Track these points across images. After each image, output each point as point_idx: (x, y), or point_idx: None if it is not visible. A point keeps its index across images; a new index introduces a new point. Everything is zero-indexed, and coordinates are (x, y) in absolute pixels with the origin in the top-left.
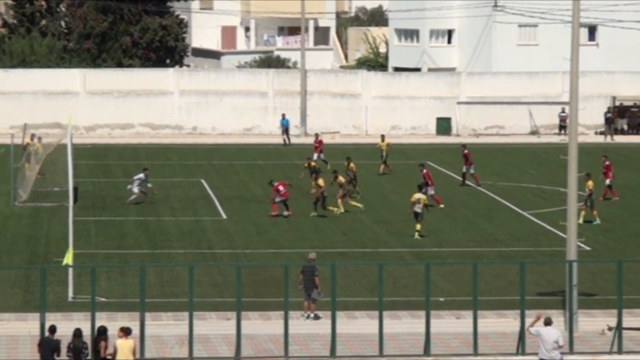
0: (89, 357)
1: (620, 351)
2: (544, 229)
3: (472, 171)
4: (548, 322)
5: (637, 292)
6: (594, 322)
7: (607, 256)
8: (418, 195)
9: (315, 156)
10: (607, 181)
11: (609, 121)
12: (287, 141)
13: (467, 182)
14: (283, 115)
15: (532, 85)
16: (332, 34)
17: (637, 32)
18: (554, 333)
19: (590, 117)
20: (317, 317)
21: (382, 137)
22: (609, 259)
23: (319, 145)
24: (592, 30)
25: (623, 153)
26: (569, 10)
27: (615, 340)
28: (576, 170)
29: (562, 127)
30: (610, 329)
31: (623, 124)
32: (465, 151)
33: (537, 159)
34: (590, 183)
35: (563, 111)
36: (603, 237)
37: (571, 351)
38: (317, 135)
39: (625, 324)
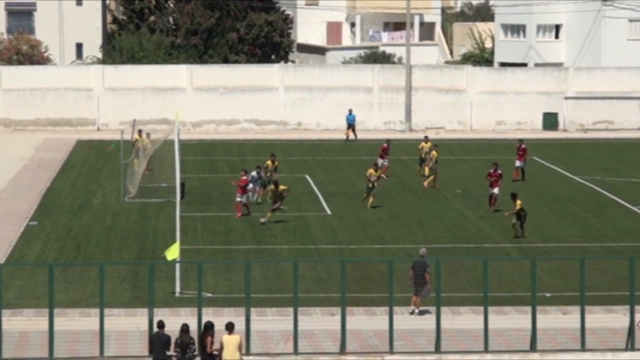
0: (196, 353)
1: None
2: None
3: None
4: None
5: None
6: None
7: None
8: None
9: (380, 162)
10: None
11: None
12: (349, 136)
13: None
14: (350, 111)
15: None
16: (437, 29)
17: None
18: None
19: None
20: (422, 313)
21: (426, 138)
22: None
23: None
24: None
25: None
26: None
27: None
28: None
29: None
30: None
31: None
32: (523, 146)
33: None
34: None
35: None
36: None
37: None
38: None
39: None
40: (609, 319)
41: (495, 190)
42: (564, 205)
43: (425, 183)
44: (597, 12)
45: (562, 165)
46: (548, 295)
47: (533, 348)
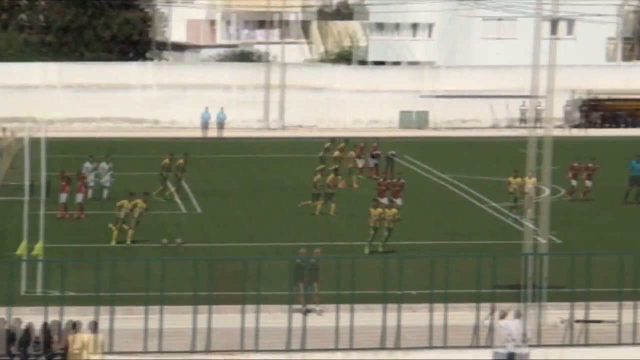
0: (41, 352)
1: (583, 344)
2: (503, 222)
3: None
4: (513, 315)
5: (605, 285)
6: (562, 315)
7: (576, 249)
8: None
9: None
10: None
11: (582, 114)
12: (216, 135)
13: None
14: (222, 109)
15: (507, 79)
16: (309, 27)
17: (604, 25)
18: (515, 326)
19: (558, 111)
20: (308, 312)
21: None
22: (579, 252)
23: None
24: (568, 24)
25: (597, 147)
26: (547, 4)
27: (578, 333)
28: (550, 164)
29: (525, 120)
30: (577, 322)
31: (595, 117)
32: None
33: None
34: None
35: (524, 104)
36: (573, 231)
37: (537, 344)
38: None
39: (592, 317)
40: (457, 317)
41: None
42: (423, 203)
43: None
44: (465, 12)
45: (431, 164)
46: (414, 293)
47: (397, 346)
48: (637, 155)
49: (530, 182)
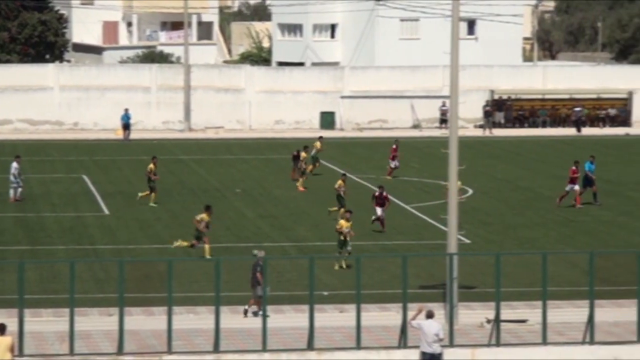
0: None
1: (498, 343)
2: (426, 222)
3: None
4: (429, 315)
5: (515, 284)
6: (474, 315)
7: (486, 249)
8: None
9: (392, 163)
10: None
11: (487, 114)
12: (124, 136)
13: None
14: (126, 110)
15: (414, 79)
16: (215, 28)
17: (514, 26)
18: (435, 326)
19: (470, 111)
20: (255, 314)
21: (321, 137)
22: (488, 252)
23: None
24: (471, 24)
25: (501, 146)
26: (448, 4)
27: (493, 333)
28: (457, 163)
29: (443, 120)
30: (488, 321)
31: (500, 117)
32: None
33: (419, 153)
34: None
35: (444, 105)
36: (482, 230)
37: (451, 344)
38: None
39: (503, 317)
40: (383, 317)
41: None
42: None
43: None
44: (371, 12)
45: (339, 164)
46: (325, 293)
47: (310, 347)
48: (591, 156)
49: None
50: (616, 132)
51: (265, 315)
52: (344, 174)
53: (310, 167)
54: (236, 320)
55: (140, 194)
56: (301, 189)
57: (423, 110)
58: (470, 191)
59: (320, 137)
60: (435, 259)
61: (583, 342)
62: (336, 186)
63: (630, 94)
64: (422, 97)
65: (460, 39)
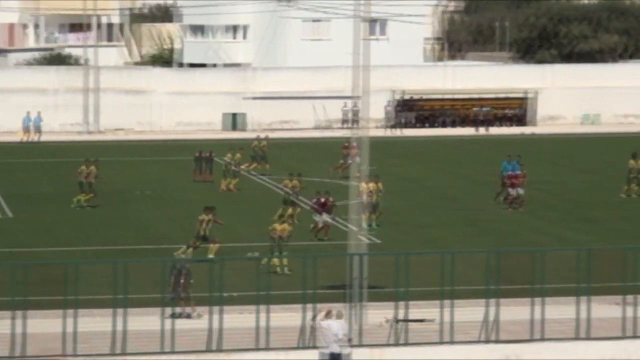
0: None
1: (404, 343)
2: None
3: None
4: (334, 316)
5: (422, 284)
6: (381, 315)
7: (395, 248)
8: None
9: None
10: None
11: (395, 114)
12: (31, 138)
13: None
14: (38, 113)
15: (321, 80)
16: (122, 30)
17: (420, 26)
18: (340, 326)
19: (378, 111)
20: (188, 316)
21: (261, 137)
22: (395, 252)
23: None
24: (377, 24)
25: (409, 147)
26: (356, 5)
27: (399, 332)
28: (365, 164)
29: (348, 120)
30: (396, 321)
31: (408, 117)
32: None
33: (325, 153)
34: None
35: (355, 105)
36: (392, 230)
37: (358, 344)
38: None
39: (410, 316)
40: (286, 318)
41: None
42: (247, 205)
43: (232, 187)
44: (279, 13)
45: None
46: (234, 295)
47: (219, 348)
48: (507, 156)
49: (367, 186)
50: (519, 131)
51: (177, 316)
52: (299, 174)
53: (255, 165)
54: (144, 322)
55: (77, 198)
56: (231, 190)
57: (328, 111)
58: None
59: (266, 137)
60: (343, 258)
61: (487, 341)
62: (289, 186)
63: (534, 93)
64: (330, 97)
65: (366, 39)
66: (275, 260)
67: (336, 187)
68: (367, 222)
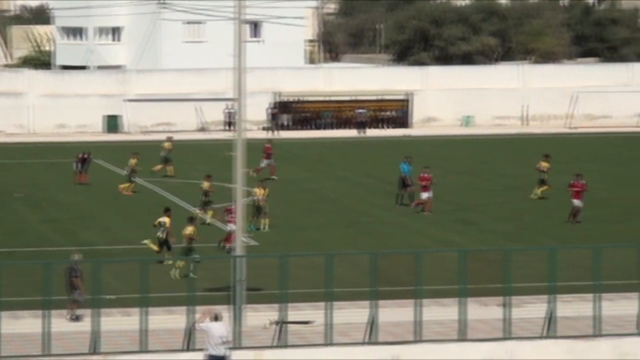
0: None
1: (284, 345)
2: (212, 225)
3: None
4: (216, 318)
5: (301, 286)
6: (260, 317)
7: (273, 251)
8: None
9: (264, 162)
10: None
11: (273, 117)
12: None
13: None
14: None
15: (199, 82)
16: None
17: (298, 28)
18: (221, 328)
19: (256, 113)
20: (78, 318)
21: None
22: (274, 254)
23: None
24: (256, 27)
25: (286, 148)
26: (233, 7)
27: (279, 334)
28: (243, 166)
29: (229, 123)
30: (276, 323)
31: (286, 119)
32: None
33: (205, 155)
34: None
35: (232, 107)
36: (270, 232)
37: (238, 346)
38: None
39: (289, 318)
40: (169, 320)
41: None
42: (127, 207)
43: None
44: (155, 15)
45: (124, 168)
46: (113, 297)
47: (96, 351)
48: (405, 157)
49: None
50: (396, 133)
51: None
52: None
53: (159, 167)
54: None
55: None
56: (127, 192)
57: (209, 113)
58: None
59: (168, 138)
60: (222, 261)
61: (366, 343)
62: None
63: (411, 95)
64: (208, 99)
65: (245, 42)
66: (180, 263)
67: (220, 190)
68: (255, 225)
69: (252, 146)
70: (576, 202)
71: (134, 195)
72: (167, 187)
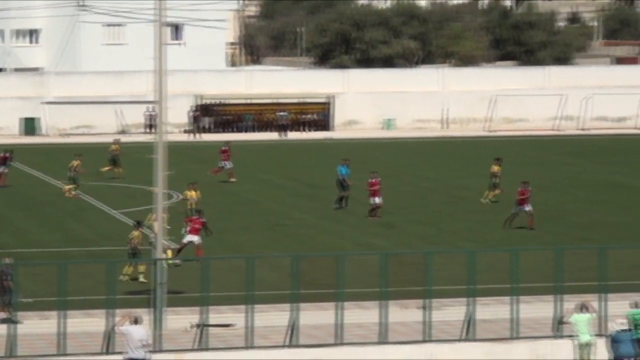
0: None
1: (205, 348)
2: (132, 228)
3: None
4: (135, 321)
5: (222, 289)
6: (181, 320)
7: (194, 253)
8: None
9: (223, 164)
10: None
11: (194, 119)
12: None
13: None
14: None
15: (120, 85)
16: None
17: (219, 31)
18: (141, 331)
19: (177, 116)
20: (4, 321)
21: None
22: (195, 257)
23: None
24: (177, 29)
25: (208, 151)
26: (153, 10)
27: (199, 337)
28: (165, 169)
29: (150, 125)
30: (198, 326)
31: (207, 122)
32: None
33: (126, 158)
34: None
35: (153, 110)
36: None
37: (159, 349)
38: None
39: (210, 321)
40: (88, 323)
41: None
42: (44, 210)
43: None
44: (74, 17)
45: (42, 170)
46: (30, 300)
47: (12, 354)
48: (343, 160)
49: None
50: (317, 136)
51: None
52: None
53: (107, 168)
54: None
55: None
56: (71, 195)
57: (130, 116)
58: (176, 197)
59: (115, 141)
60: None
61: (286, 346)
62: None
63: (332, 98)
64: (129, 102)
65: (167, 44)
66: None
67: (140, 193)
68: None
69: (174, 149)
70: (526, 208)
71: (48, 199)
72: (86, 190)
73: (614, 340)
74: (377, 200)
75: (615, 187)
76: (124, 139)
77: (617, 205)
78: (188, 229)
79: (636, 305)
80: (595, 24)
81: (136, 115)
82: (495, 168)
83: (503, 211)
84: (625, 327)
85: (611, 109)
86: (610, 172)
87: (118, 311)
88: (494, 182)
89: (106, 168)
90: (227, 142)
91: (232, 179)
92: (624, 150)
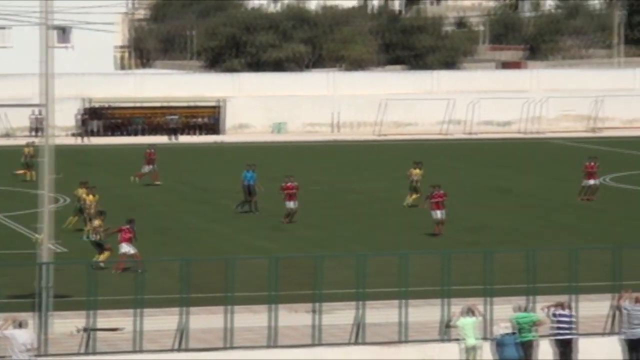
0: None
1: (92, 352)
2: (16, 231)
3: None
4: (20, 325)
5: (111, 293)
6: (67, 324)
7: (82, 257)
8: None
9: (146, 168)
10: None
11: (83, 123)
12: None
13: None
14: None
15: (4, 88)
16: None
17: (108, 34)
18: (25, 335)
19: (65, 119)
20: None
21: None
22: (81, 261)
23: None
24: (64, 32)
25: (97, 155)
26: (40, 12)
27: (86, 341)
28: (51, 172)
29: (36, 129)
30: (84, 330)
31: (96, 125)
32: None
33: (10, 162)
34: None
35: (40, 113)
36: (77, 239)
37: (44, 353)
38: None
39: (98, 325)
40: None
41: None
42: None
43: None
44: None
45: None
46: None
47: None
48: (247, 165)
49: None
50: (208, 140)
51: None
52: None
53: (22, 171)
54: None
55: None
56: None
57: (13, 119)
58: (63, 200)
59: (29, 143)
60: (27, 268)
61: (175, 350)
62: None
63: (223, 101)
64: (13, 105)
65: (53, 47)
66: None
67: (21, 195)
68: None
69: (61, 152)
70: (439, 212)
71: None
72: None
73: (499, 344)
74: (292, 204)
75: (501, 191)
76: (9, 142)
77: (502, 209)
78: (119, 238)
79: (519, 309)
80: (482, 28)
81: (21, 119)
82: (415, 172)
83: (410, 214)
84: (509, 330)
85: (496, 113)
86: (495, 175)
87: (2, 315)
88: (414, 186)
89: (20, 171)
90: (151, 145)
91: (157, 182)
92: (508, 155)
